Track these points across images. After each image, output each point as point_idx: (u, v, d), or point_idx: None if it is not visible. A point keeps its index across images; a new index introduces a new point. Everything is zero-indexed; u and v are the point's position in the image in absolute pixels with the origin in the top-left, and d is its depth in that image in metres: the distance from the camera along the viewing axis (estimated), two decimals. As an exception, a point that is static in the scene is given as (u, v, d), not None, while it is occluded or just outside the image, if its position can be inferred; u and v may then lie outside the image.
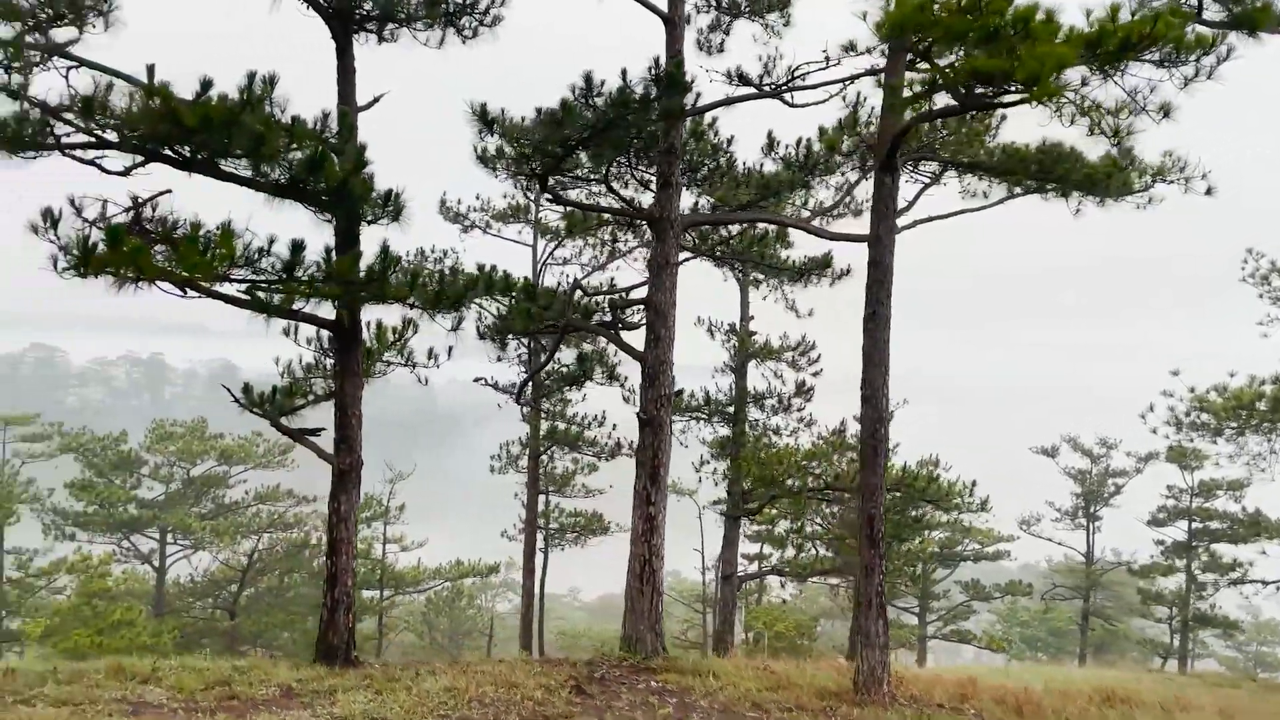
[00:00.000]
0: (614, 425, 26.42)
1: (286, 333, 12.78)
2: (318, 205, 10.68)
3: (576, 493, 28.04)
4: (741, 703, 10.20)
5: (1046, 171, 11.60)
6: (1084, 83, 8.06)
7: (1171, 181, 12.49)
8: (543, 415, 25.90)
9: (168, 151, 9.36)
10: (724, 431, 26.92)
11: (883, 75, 12.76)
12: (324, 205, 10.46)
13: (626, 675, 11.47)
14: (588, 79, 10.82)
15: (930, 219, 14.44)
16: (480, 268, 12.41)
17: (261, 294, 10.26)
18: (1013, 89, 7.82)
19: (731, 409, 25.19)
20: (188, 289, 9.48)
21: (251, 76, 8.61)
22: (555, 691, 9.28)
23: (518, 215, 26.45)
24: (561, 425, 25.08)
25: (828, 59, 12.67)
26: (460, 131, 13.08)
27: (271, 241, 9.20)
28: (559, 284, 15.72)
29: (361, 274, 9.56)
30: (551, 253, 25.25)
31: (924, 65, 10.85)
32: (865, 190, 17.68)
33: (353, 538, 11.33)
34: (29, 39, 9.45)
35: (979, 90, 8.16)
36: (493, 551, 40.90)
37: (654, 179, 14.60)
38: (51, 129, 8.40)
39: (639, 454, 13.22)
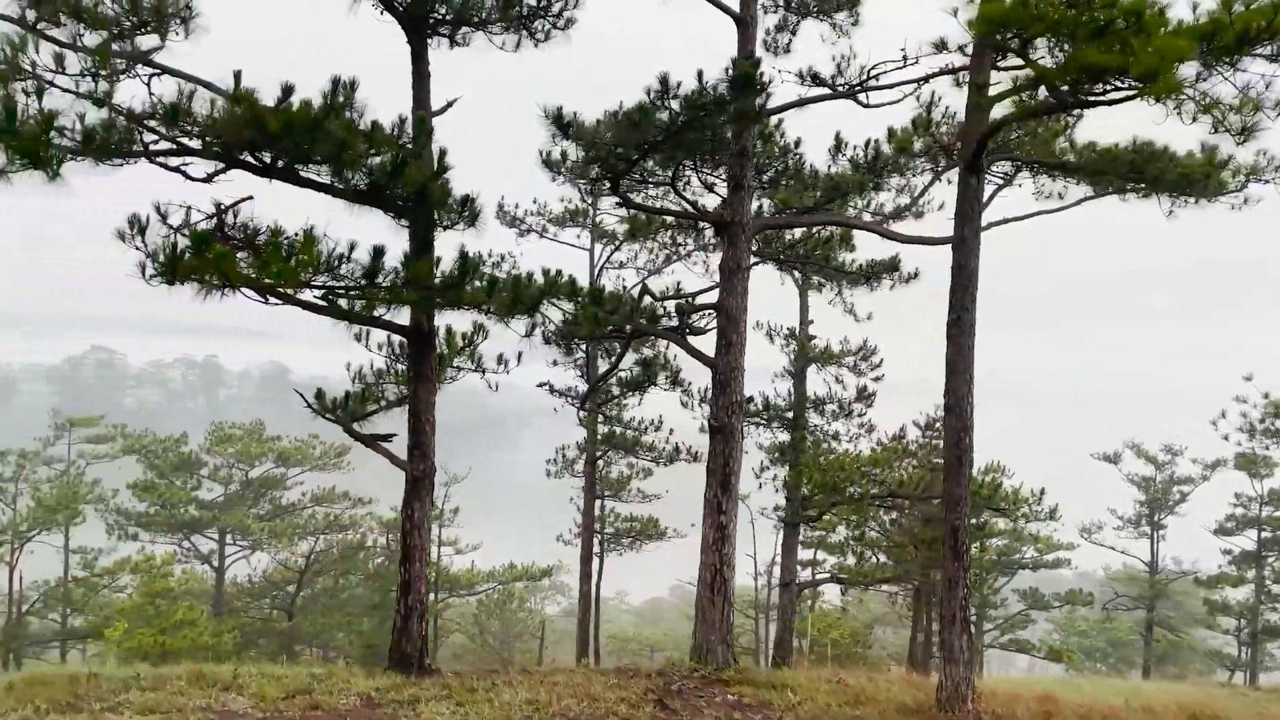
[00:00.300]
0: (670, 430, 26.20)
1: (358, 338, 12.75)
2: (395, 211, 10.64)
3: (633, 498, 27.86)
4: (824, 719, 9.93)
5: (1139, 171, 11.17)
6: (1198, 78, 7.69)
7: (1268, 181, 11.98)
8: (600, 420, 25.77)
9: (248, 158, 9.37)
10: (782, 437, 26.64)
11: (963, 74, 12.43)
12: (401, 211, 10.41)
13: (701, 688, 11.27)
14: (664, 80, 10.63)
15: (1006, 221, 14.03)
16: (546, 272, 12.28)
17: (340, 300, 10.26)
18: (1124, 85, 7.49)
19: (791, 414, 24.83)
20: (269, 296, 9.47)
21: (335, 82, 8.56)
22: (638, 706, 9.10)
23: (574, 219, 26.40)
24: (619, 430, 24.92)
25: (905, 58, 12.36)
26: (527, 136, 12.99)
27: (352, 247, 9.16)
28: (622, 288, 15.58)
29: (439, 280, 9.47)
30: (609, 257, 25.15)
31: (1009, 63, 10.52)
32: (932, 192, 17.33)
33: (426, 545, 11.27)
34: (113, 46, 9.50)
35: (1085, 87, 7.82)
36: (538, 554, 40.93)
37: (719, 182, 14.41)
38: (141, 136, 8.42)
39: (710, 462, 13.00)
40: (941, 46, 10.82)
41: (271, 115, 8.30)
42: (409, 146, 9.77)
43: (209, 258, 7.86)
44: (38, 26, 8.88)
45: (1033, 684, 16.64)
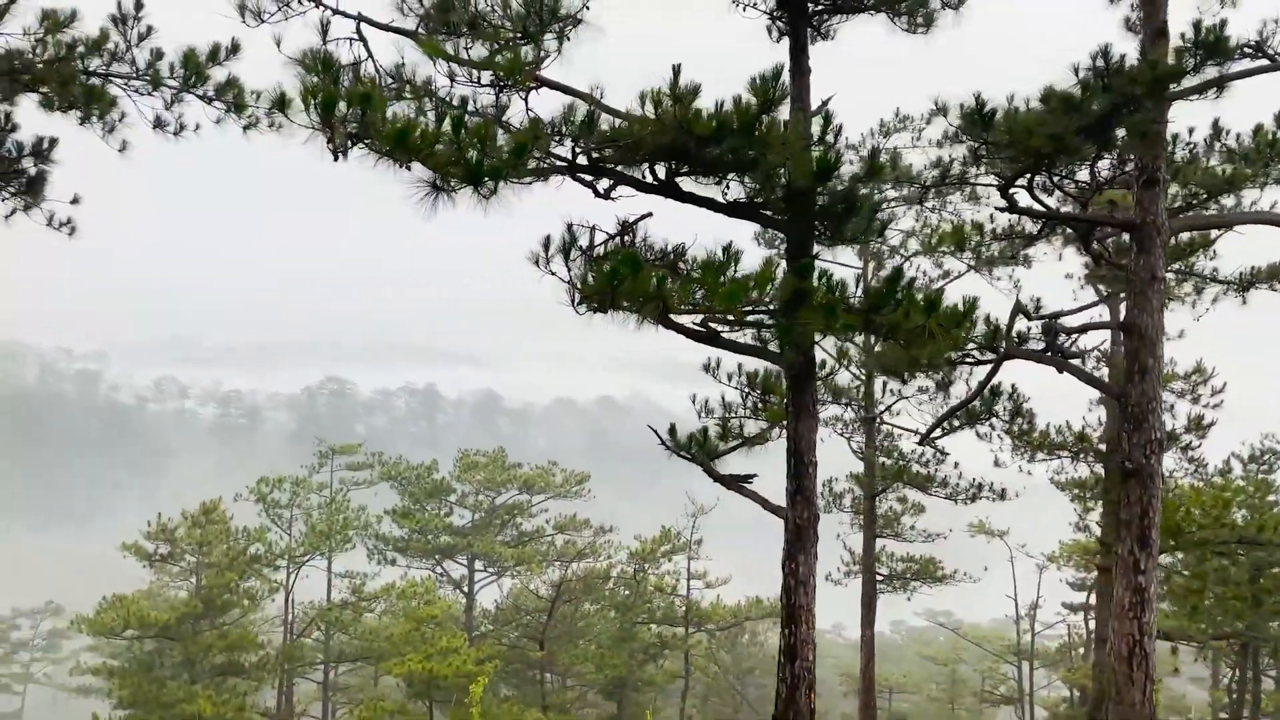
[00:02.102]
0: (955, 464, 23.93)
1: (706, 368, 11.72)
2: (774, 224, 9.47)
3: (914, 536, 25.66)
4: None
5: None
6: None
7: None
8: (877, 453, 23.83)
9: (641, 173, 8.41)
10: (1076, 471, 23.90)
11: None
12: (779, 224, 9.20)
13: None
14: (1105, 52, 8.89)
15: None
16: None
17: (717, 325, 9.13)
18: None
19: (1104, 446, 21.96)
20: (662, 324, 8.43)
21: (777, 73, 7.37)
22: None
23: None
24: (905, 464, 22.88)
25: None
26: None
27: (769, 265, 7.95)
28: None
29: (864, 300, 8.08)
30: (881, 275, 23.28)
31: None
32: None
33: (812, 605, 9.87)
34: (492, 60, 8.81)
35: None
36: (751, 585, 39.16)
37: (1068, 181, 12.40)
38: (576, 151, 7.57)
39: (1123, 511, 10.94)
40: None
41: (700, 118, 7.22)
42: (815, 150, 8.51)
43: (644, 283, 6.82)
44: (434, 40, 8.26)
45: None
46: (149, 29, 9.78)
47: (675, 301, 6.98)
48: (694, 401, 11.99)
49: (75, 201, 11.08)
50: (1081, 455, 22.30)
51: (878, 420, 23.39)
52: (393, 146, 6.45)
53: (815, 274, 8.31)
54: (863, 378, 22.40)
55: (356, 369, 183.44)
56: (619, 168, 8.40)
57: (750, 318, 8.57)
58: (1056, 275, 22.53)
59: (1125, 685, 10.81)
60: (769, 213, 9.15)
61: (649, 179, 8.42)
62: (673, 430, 10.97)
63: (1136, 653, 10.74)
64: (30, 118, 10.94)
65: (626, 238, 8.14)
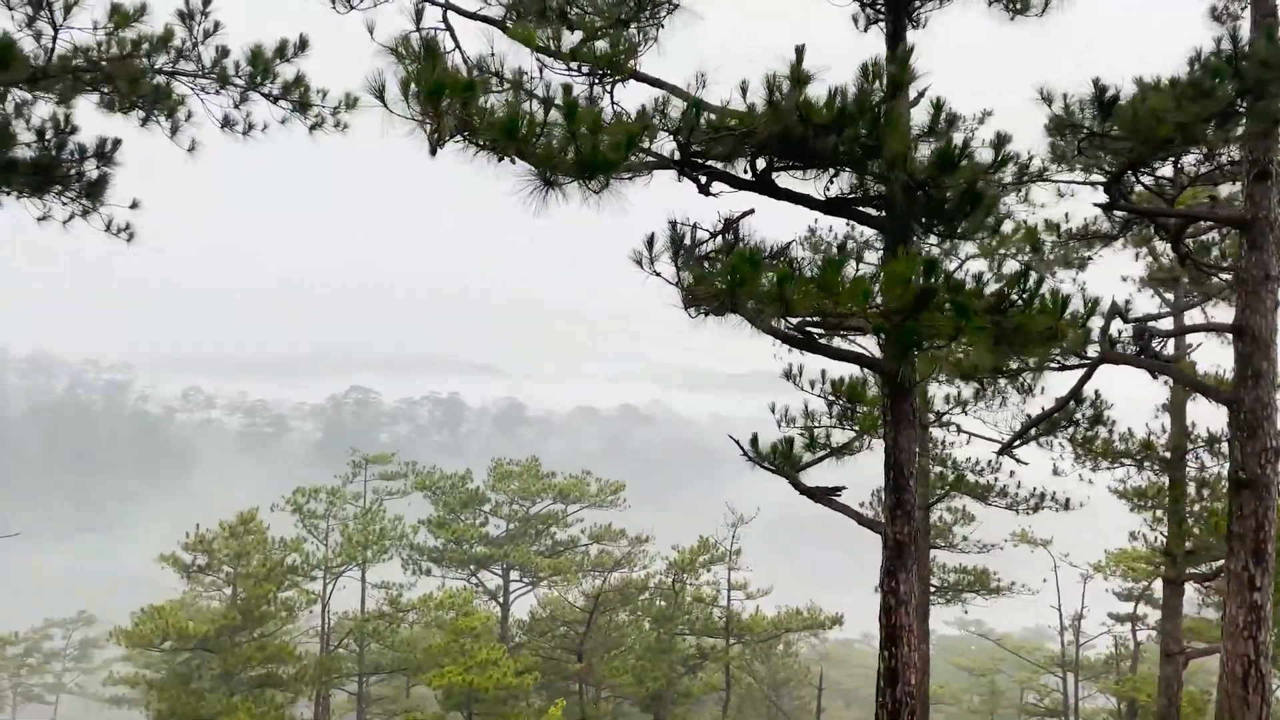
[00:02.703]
0: (1011, 472, 23.24)
1: (788, 376, 11.21)
2: (871, 221, 8.95)
3: (969, 547, 24.96)
4: None
5: None
6: None
7: None
8: (931, 459, 23.16)
9: (738, 169, 7.92)
10: (1141, 480, 23.24)
11: None
12: (883, 220, 8.67)
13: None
14: (1233, 36, 8.33)
15: None
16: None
17: (813, 329, 8.64)
18: None
19: (1170, 453, 21.24)
20: (762, 327, 7.93)
21: (905, 57, 6.87)
22: None
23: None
24: (964, 474, 22.20)
25: None
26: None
27: (885, 262, 7.43)
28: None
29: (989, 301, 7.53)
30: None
31: None
32: None
33: (914, 624, 9.34)
34: (584, 50, 8.35)
35: None
36: (781, 592, 38.47)
37: (1145, 178, 11.79)
38: (683, 144, 7.09)
39: (1236, 524, 10.32)
40: None
41: (816, 105, 6.72)
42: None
43: (768, 283, 6.32)
44: (526, 28, 7.81)
45: None
46: (215, 25, 9.40)
47: (797, 302, 6.46)
48: (772, 410, 11.48)
49: (134, 206, 10.70)
50: (1147, 463, 21.60)
51: (929, 427, 22.76)
52: (499, 137, 5.98)
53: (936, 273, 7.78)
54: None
55: (381, 378, 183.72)
56: (711, 162, 7.95)
57: (858, 321, 8.04)
58: (1111, 277, 21.88)
59: (1240, 709, 10.16)
60: (868, 209, 8.68)
61: (747, 174, 7.96)
62: (754, 441, 10.46)
63: (1252, 674, 10.10)
64: (83, 119, 10.60)
65: (729, 236, 7.64)
